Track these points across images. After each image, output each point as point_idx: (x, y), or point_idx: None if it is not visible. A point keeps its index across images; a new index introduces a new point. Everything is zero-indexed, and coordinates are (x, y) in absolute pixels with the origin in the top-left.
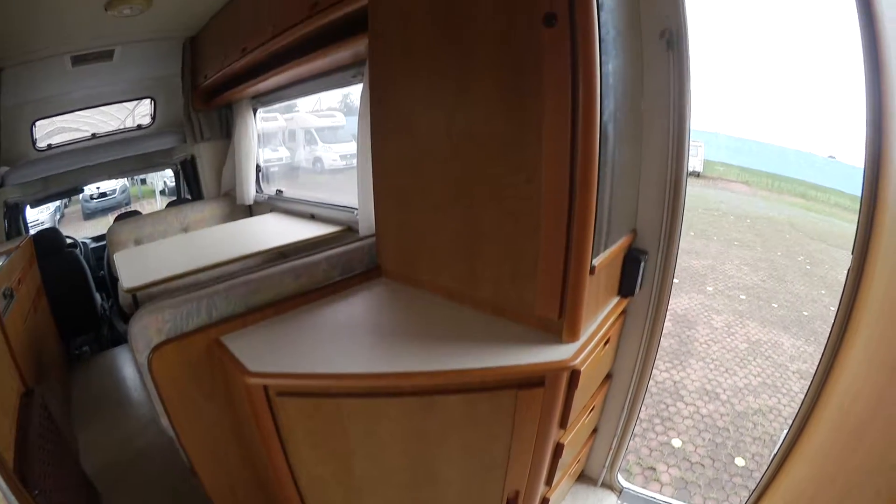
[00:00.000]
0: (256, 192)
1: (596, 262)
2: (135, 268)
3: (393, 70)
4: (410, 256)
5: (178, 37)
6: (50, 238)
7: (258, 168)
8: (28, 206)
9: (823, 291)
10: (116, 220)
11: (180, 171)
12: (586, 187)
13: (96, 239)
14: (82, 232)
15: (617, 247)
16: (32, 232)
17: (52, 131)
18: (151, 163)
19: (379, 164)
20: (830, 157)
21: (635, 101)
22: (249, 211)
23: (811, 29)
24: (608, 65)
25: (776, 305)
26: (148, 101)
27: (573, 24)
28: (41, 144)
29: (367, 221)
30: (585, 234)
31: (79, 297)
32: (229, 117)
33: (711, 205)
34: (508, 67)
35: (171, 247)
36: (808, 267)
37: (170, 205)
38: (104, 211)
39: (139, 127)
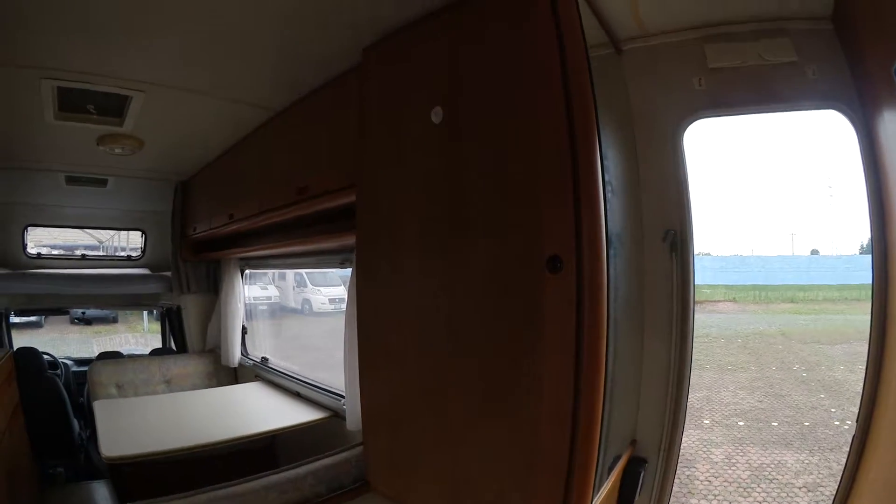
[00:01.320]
0: (242, 354)
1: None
2: (115, 427)
3: (378, 279)
4: (401, 469)
5: (169, 179)
6: (30, 358)
7: (244, 330)
8: (12, 314)
9: (822, 395)
10: (99, 357)
11: (166, 318)
12: (587, 447)
13: (79, 362)
14: (66, 340)
15: (615, 474)
16: (13, 347)
17: (44, 236)
18: (138, 302)
19: (368, 367)
20: (813, 251)
21: (636, 311)
22: (234, 373)
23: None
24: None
25: (776, 424)
26: (139, 233)
27: (580, 270)
28: (31, 251)
29: (354, 414)
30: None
31: (56, 423)
32: (217, 273)
33: (701, 331)
34: (506, 309)
35: (154, 409)
36: (804, 374)
37: (154, 352)
38: (90, 322)
39: (129, 258)
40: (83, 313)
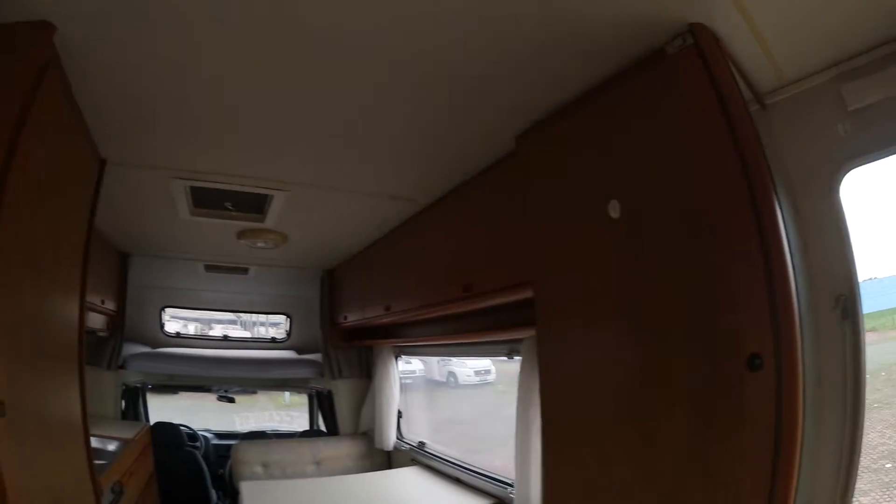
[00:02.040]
0: (397, 437)
1: None
2: None
3: (564, 374)
4: None
5: (315, 267)
6: (169, 432)
7: (399, 414)
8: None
9: None
10: (245, 438)
11: (315, 400)
12: None
13: (219, 435)
14: (203, 408)
15: None
16: (150, 420)
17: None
18: (285, 383)
19: (553, 456)
20: None
21: (814, 386)
22: (387, 456)
23: None
24: None
25: None
26: (284, 317)
27: (778, 365)
28: (169, 329)
29: None
30: None
31: (194, 494)
32: (369, 357)
33: None
34: (704, 408)
35: (306, 492)
36: None
37: (304, 434)
38: (233, 399)
39: (273, 340)
40: (226, 391)
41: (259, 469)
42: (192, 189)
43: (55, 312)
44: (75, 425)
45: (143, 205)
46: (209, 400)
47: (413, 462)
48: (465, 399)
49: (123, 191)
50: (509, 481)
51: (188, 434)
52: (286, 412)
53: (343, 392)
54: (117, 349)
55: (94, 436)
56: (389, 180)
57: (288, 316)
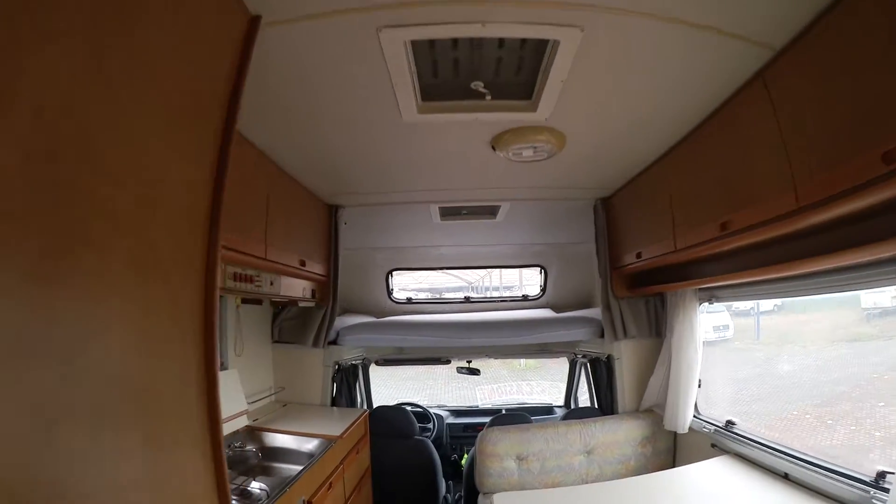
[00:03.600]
0: (693, 415)
1: None
2: None
3: None
4: None
5: (585, 198)
6: (394, 419)
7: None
8: (371, 365)
9: None
10: (493, 421)
11: (585, 370)
12: None
13: (456, 413)
14: (434, 378)
15: None
16: (371, 402)
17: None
18: (543, 349)
19: None
20: None
21: None
22: (673, 440)
23: None
24: None
25: None
26: (538, 269)
27: None
28: (398, 296)
29: None
30: None
31: (417, 491)
32: (658, 310)
33: None
34: None
35: None
36: None
37: (568, 415)
38: (476, 372)
39: (524, 298)
40: (469, 361)
41: (512, 463)
42: (414, 50)
43: None
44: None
45: (346, 96)
46: (439, 369)
47: (714, 449)
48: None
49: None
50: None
51: (418, 413)
52: (536, 382)
53: (627, 356)
54: (328, 322)
55: (288, 433)
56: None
57: (542, 268)
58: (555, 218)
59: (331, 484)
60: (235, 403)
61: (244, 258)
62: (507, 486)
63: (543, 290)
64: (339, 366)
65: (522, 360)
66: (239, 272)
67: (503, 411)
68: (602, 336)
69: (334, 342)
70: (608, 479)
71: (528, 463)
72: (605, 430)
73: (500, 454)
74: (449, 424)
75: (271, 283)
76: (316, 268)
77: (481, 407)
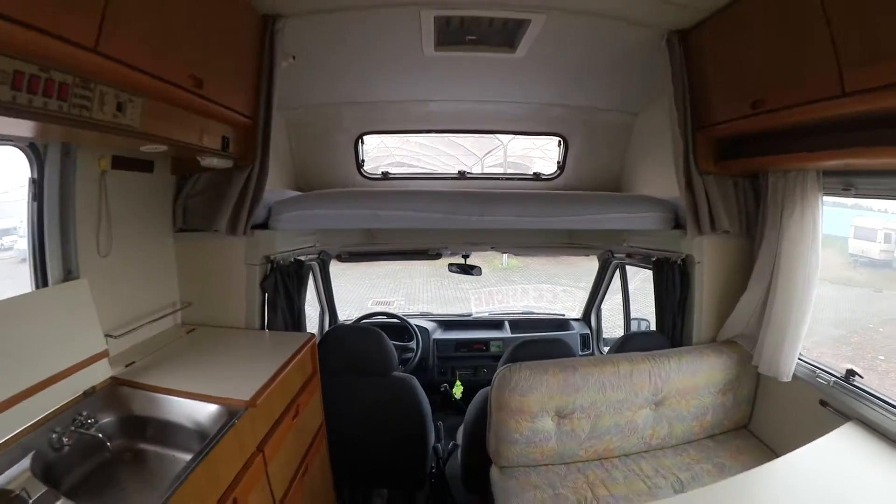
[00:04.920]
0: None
1: None
2: None
3: None
4: None
5: (650, 24)
6: (363, 351)
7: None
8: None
9: None
10: (516, 352)
11: (621, 274)
12: None
13: (447, 324)
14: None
15: None
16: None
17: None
18: (572, 242)
19: None
20: None
21: None
22: (757, 385)
23: None
24: None
25: None
26: (555, 140)
27: None
28: (371, 168)
29: None
30: None
31: (400, 452)
32: (747, 199)
33: None
34: None
35: None
36: None
37: (625, 342)
38: (469, 270)
39: (536, 177)
40: (465, 256)
41: (549, 423)
42: None
43: None
44: None
45: None
46: (418, 266)
47: (825, 410)
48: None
49: None
50: None
51: (395, 327)
52: (548, 287)
53: (711, 261)
54: (252, 191)
55: (166, 392)
56: None
57: (562, 139)
58: (593, 65)
59: (242, 480)
60: (78, 343)
61: (38, 41)
62: (539, 457)
63: (561, 167)
64: (274, 264)
65: (504, 258)
66: (28, 71)
67: (506, 324)
68: (676, 227)
69: (264, 225)
70: (678, 443)
71: (574, 422)
72: (681, 371)
73: (533, 409)
74: (437, 341)
75: (118, 108)
76: (230, 100)
77: (476, 317)
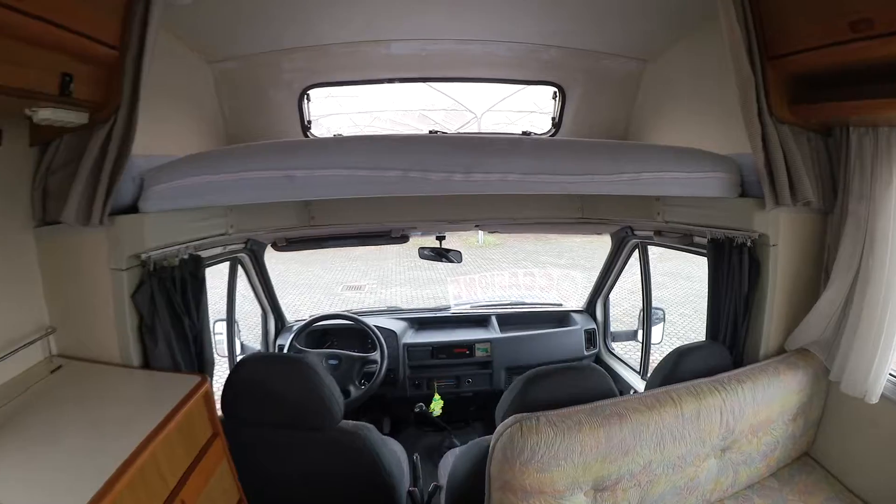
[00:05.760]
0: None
1: None
2: None
3: None
4: None
5: None
6: (294, 401)
7: None
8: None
9: None
10: (525, 385)
11: (641, 255)
12: None
13: (420, 324)
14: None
15: None
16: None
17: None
18: (584, 217)
19: None
20: None
21: None
22: (833, 408)
23: None
24: None
25: None
26: (551, 91)
27: None
28: (319, 131)
29: None
30: None
31: None
32: (821, 160)
33: None
34: None
35: None
36: None
37: (679, 361)
38: (444, 255)
39: (526, 135)
40: (441, 237)
41: (581, 500)
42: None
43: None
44: None
45: None
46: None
47: None
48: None
49: None
50: None
51: (350, 332)
52: (542, 271)
53: (788, 244)
54: (111, 161)
55: None
56: None
57: (558, 89)
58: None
59: None
60: None
61: None
62: None
63: (557, 124)
64: (149, 267)
65: (480, 234)
66: None
67: (493, 321)
68: (743, 195)
69: (133, 208)
70: (740, 490)
71: (617, 495)
72: (756, 400)
73: (559, 487)
74: (408, 347)
75: None
76: (77, 18)
77: (456, 311)
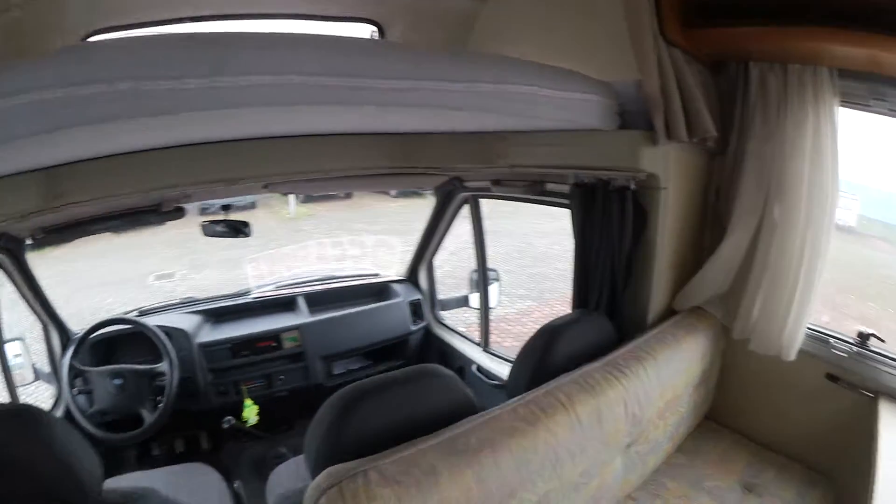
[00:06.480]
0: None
1: None
2: None
3: None
4: None
5: None
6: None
7: None
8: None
9: None
10: (344, 416)
11: (473, 212)
12: None
13: (216, 317)
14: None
15: None
16: None
17: None
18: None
19: None
20: None
21: None
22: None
23: None
24: None
25: None
26: (368, 30)
27: None
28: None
29: None
30: None
31: None
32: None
33: None
34: None
35: None
36: None
37: (551, 342)
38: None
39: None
40: (227, 208)
41: None
42: None
43: None
44: None
45: None
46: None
47: (834, 385)
48: None
49: None
50: None
51: (121, 339)
52: (353, 238)
53: (679, 188)
54: None
55: None
56: None
57: (377, 28)
58: None
59: None
60: None
61: None
62: None
63: None
64: None
65: (292, 204)
66: None
67: (301, 302)
68: (623, 126)
69: None
70: (649, 479)
71: None
72: (661, 379)
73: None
74: (203, 347)
75: None
76: None
77: (258, 296)
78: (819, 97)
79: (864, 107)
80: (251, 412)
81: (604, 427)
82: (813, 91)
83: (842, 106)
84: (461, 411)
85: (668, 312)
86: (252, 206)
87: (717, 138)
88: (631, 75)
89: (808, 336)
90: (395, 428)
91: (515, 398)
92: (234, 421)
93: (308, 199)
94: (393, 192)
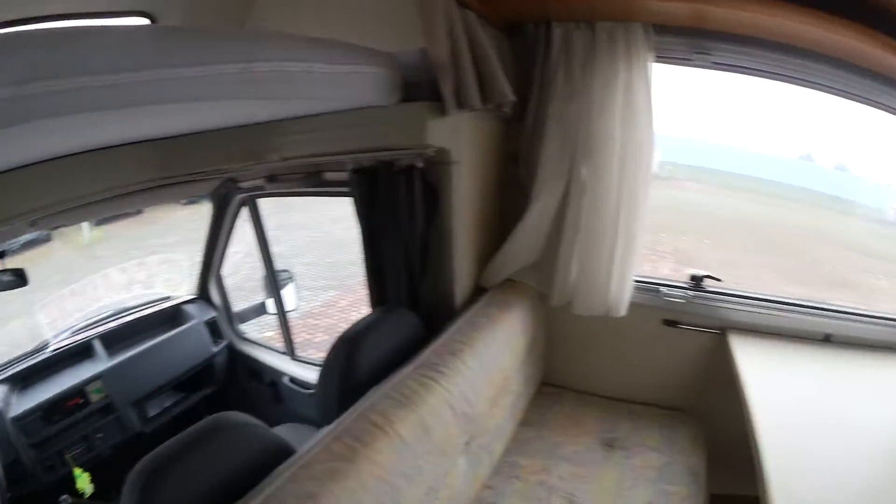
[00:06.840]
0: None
1: None
2: None
3: None
4: None
5: None
6: None
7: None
8: None
9: None
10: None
11: (253, 216)
12: None
13: (22, 383)
14: None
15: None
16: None
17: None
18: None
19: None
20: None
21: None
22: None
23: None
24: None
25: None
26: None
27: None
28: None
29: None
30: None
31: None
32: (545, 52)
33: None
34: None
35: None
36: None
37: (352, 350)
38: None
39: None
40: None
41: None
42: None
43: None
44: None
45: None
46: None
47: (671, 329)
48: None
49: None
50: None
51: None
52: (135, 262)
53: (472, 161)
54: None
55: None
56: None
57: (149, 18)
58: None
59: None
60: None
61: None
62: None
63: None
64: None
65: (86, 232)
66: None
67: (97, 346)
68: (406, 99)
69: None
70: (499, 462)
71: None
72: (485, 367)
73: None
74: (17, 423)
75: None
76: None
77: (57, 347)
78: (633, 53)
79: (682, 62)
80: (84, 481)
81: (433, 438)
82: (626, 48)
83: (657, 62)
84: (274, 458)
85: (478, 292)
86: (47, 238)
87: (514, 103)
88: (418, 43)
89: (638, 288)
90: (204, 499)
91: (325, 430)
92: (70, 499)
93: (101, 220)
94: (184, 200)
